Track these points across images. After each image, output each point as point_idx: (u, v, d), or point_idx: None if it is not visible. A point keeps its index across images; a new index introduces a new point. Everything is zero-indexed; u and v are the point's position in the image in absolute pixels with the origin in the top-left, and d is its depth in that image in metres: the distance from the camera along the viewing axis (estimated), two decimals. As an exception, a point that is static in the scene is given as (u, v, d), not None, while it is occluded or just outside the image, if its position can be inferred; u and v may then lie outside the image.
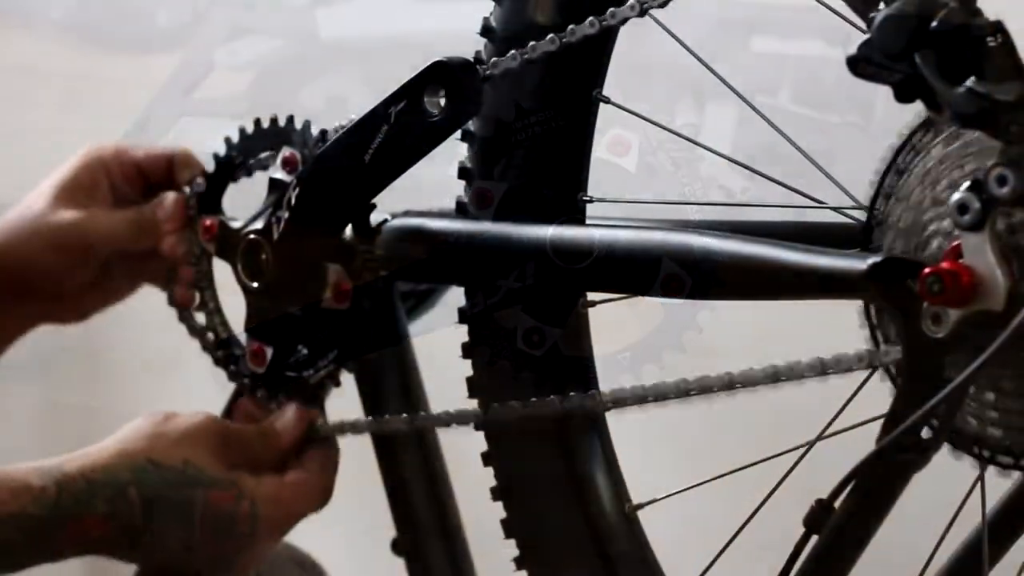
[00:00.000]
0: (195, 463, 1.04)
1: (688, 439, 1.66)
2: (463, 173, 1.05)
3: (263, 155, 1.16)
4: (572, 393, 1.00)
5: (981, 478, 0.90)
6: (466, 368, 1.07)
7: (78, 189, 1.20)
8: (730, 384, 0.92)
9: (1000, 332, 0.79)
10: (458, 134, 1.03)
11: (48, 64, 2.24)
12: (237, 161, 1.17)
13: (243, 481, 1.06)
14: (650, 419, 1.15)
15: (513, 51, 0.99)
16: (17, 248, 1.19)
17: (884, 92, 0.81)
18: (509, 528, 1.06)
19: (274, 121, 1.14)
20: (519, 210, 1.03)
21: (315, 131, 1.12)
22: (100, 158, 1.21)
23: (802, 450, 0.94)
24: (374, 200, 1.06)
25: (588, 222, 1.03)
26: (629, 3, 0.95)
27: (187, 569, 1.06)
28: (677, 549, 1.08)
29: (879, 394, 0.89)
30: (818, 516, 0.86)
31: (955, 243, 0.83)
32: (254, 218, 1.13)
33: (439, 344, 1.19)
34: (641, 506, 1.04)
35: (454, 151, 1.05)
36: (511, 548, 1.07)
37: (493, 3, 1.03)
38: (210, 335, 1.20)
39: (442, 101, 1.01)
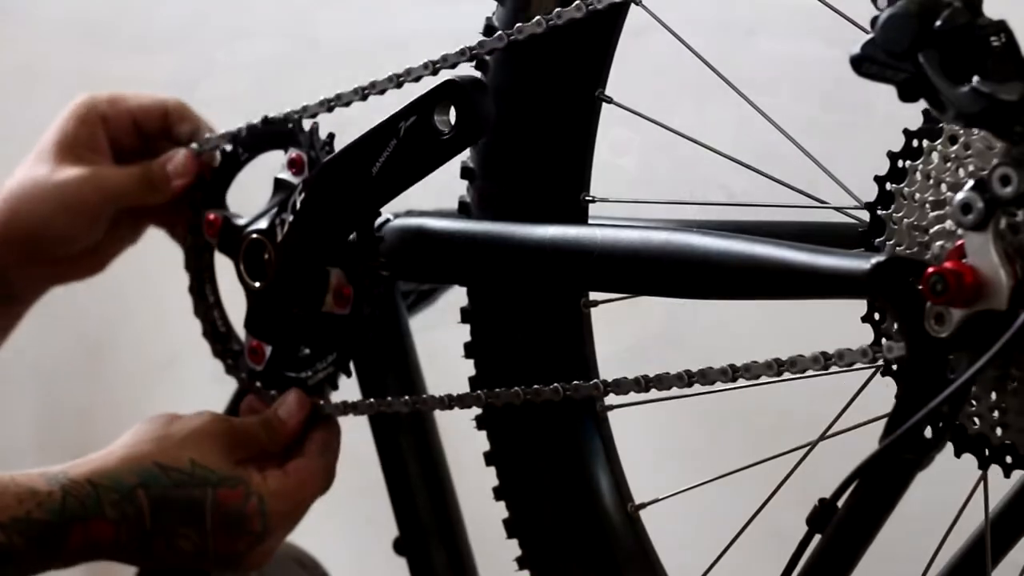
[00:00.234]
0: (202, 462, 1.04)
1: (691, 439, 1.66)
2: (465, 173, 1.05)
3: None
4: (575, 382, 1.00)
5: (984, 477, 0.90)
6: (468, 367, 1.07)
7: (78, 145, 1.18)
8: (732, 376, 0.92)
9: (1003, 332, 0.79)
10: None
11: (48, 62, 2.24)
12: (243, 158, 1.17)
13: (250, 477, 1.05)
14: (652, 419, 1.15)
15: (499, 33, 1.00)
16: (25, 212, 1.18)
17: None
18: (511, 528, 1.06)
19: (282, 121, 1.14)
20: (521, 210, 1.03)
21: (323, 134, 1.12)
22: (95, 109, 1.20)
23: (805, 450, 0.94)
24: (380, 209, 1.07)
25: (590, 222, 1.03)
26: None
27: (198, 570, 1.05)
28: (680, 549, 1.08)
29: (882, 394, 0.89)
30: (821, 515, 0.86)
31: (958, 243, 0.83)
32: (258, 217, 1.13)
33: (440, 343, 1.20)
34: (644, 506, 1.04)
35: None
36: (513, 548, 1.07)
37: (495, 3, 1.03)
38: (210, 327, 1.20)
39: (452, 119, 1.01)
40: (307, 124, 1.12)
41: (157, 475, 1.03)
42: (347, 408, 1.11)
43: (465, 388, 1.06)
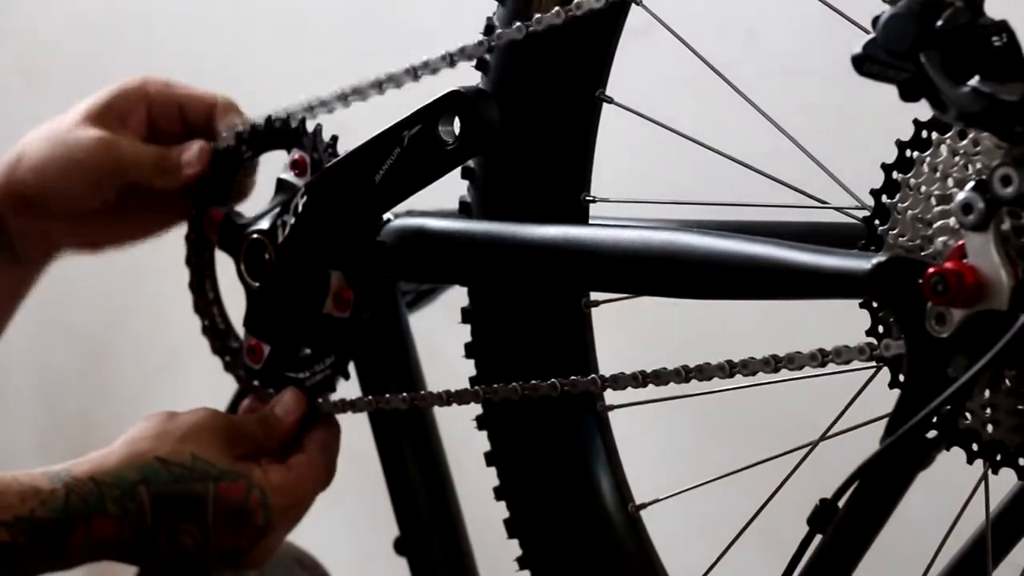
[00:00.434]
0: (203, 457, 1.04)
1: (692, 438, 1.66)
2: (466, 172, 1.05)
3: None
4: (572, 377, 1.00)
5: (985, 478, 0.90)
6: (469, 368, 1.07)
7: (109, 113, 1.18)
8: (729, 372, 0.92)
9: (1004, 332, 0.79)
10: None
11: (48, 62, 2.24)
12: (246, 156, 1.17)
13: (251, 472, 1.05)
14: (652, 418, 1.15)
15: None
16: (34, 162, 1.18)
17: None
18: (512, 528, 1.06)
19: (286, 121, 1.14)
20: (522, 210, 1.03)
21: (327, 136, 1.12)
22: (144, 88, 1.20)
23: (806, 449, 0.94)
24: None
25: (591, 222, 1.03)
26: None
27: (198, 569, 1.05)
28: (680, 548, 1.08)
29: (883, 394, 0.89)
30: (822, 515, 0.86)
31: (960, 242, 0.83)
32: (260, 216, 1.13)
33: (441, 343, 1.20)
34: (644, 506, 1.04)
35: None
36: (513, 548, 1.07)
37: (496, 3, 1.03)
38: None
39: (456, 130, 1.01)
40: (311, 126, 1.12)
41: (158, 470, 1.03)
42: (346, 405, 1.11)
43: (464, 384, 1.06)
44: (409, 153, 1.02)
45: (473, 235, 1.03)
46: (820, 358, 0.88)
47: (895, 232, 0.89)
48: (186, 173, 1.17)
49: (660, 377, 0.95)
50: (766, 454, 0.97)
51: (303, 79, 1.14)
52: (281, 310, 1.13)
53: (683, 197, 1.44)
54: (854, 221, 0.93)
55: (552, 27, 0.98)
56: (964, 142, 0.86)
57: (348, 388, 1.13)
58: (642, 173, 1.62)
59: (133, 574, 1.24)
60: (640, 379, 0.96)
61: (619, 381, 0.97)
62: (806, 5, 1.01)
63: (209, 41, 2.06)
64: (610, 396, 1.02)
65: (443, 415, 1.17)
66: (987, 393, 0.87)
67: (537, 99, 1.02)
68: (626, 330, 1.33)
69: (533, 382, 1.01)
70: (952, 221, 0.86)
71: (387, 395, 1.09)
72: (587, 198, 1.03)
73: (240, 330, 1.17)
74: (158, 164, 1.17)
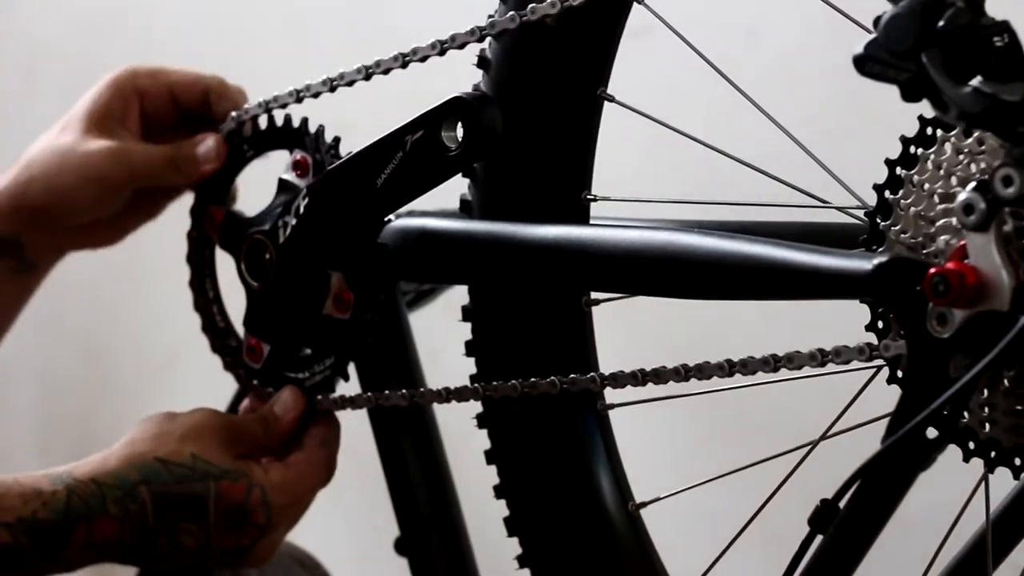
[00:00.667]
0: (203, 457, 1.04)
1: (692, 438, 1.66)
2: (467, 171, 1.05)
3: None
4: (572, 375, 1.00)
5: (985, 478, 0.90)
6: (469, 367, 1.07)
7: (109, 117, 1.17)
8: (729, 371, 0.92)
9: (1005, 333, 0.79)
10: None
11: (48, 61, 2.24)
12: (248, 155, 1.17)
13: (252, 470, 1.05)
14: (654, 418, 1.15)
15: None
16: (43, 181, 1.17)
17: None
18: (512, 526, 1.06)
19: (288, 121, 1.14)
20: (523, 209, 1.03)
21: (329, 137, 1.12)
22: (134, 81, 1.19)
23: (806, 449, 0.94)
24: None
25: (592, 222, 1.03)
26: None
27: (198, 569, 1.05)
28: (681, 548, 1.08)
29: (883, 394, 0.89)
30: (823, 516, 0.86)
31: (961, 243, 0.83)
32: (261, 216, 1.13)
33: (441, 342, 1.20)
34: (644, 504, 1.03)
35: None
36: (513, 547, 1.07)
37: (498, 2, 1.03)
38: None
39: (459, 135, 1.01)
40: (313, 126, 1.12)
41: (159, 470, 1.02)
42: (345, 402, 1.11)
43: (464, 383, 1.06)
44: (412, 158, 1.02)
45: (474, 235, 1.03)
46: (820, 358, 0.88)
47: (897, 229, 0.89)
48: (204, 169, 1.16)
49: (660, 376, 0.95)
50: (766, 453, 0.96)
51: (303, 79, 1.13)
52: (281, 310, 1.13)
53: (684, 197, 1.44)
54: (855, 221, 0.93)
55: (546, 17, 0.98)
56: (969, 140, 0.86)
57: (348, 386, 1.13)
58: (643, 173, 1.62)
59: (133, 575, 1.24)
60: (640, 377, 0.96)
61: (618, 379, 0.98)
62: (807, 5, 1.01)
63: (209, 41, 2.06)
64: (610, 395, 1.02)
65: (443, 415, 1.17)
66: (985, 392, 0.87)
67: (539, 97, 1.02)
68: (626, 329, 1.33)
69: (533, 380, 1.01)
70: (955, 220, 0.86)
71: (387, 391, 1.09)
72: (588, 197, 1.03)
73: (240, 329, 1.17)
74: (172, 163, 1.16)
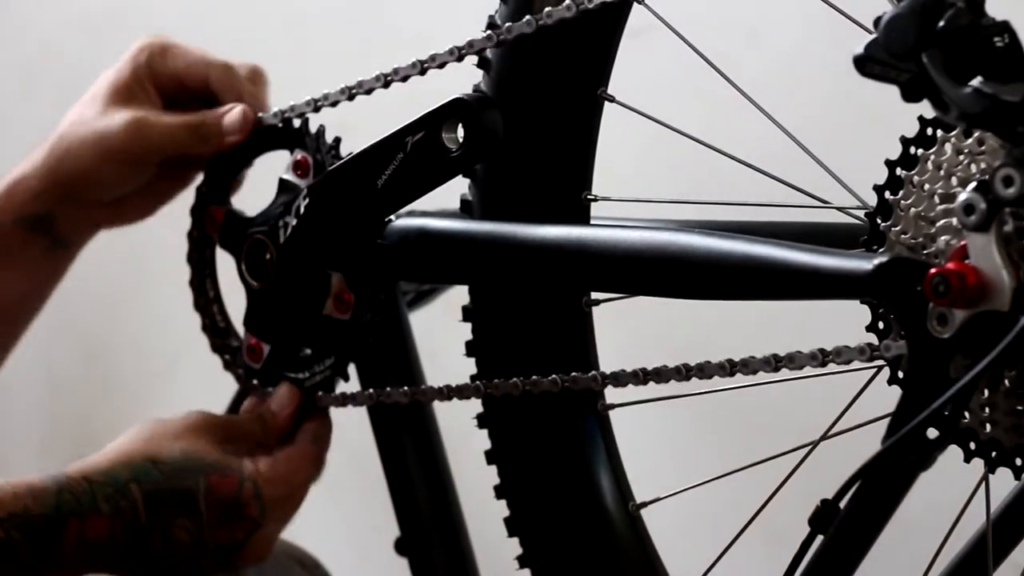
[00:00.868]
0: (193, 452, 1.04)
1: (693, 438, 1.66)
2: (468, 170, 1.05)
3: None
4: (573, 373, 1.00)
5: (986, 479, 0.90)
6: (469, 367, 1.07)
7: (128, 88, 1.17)
8: (730, 371, 0.92)
9: (1006, 333, 0.79)
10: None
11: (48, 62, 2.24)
12: (248, 154, 1.17)
13: (242, 464, 1.06)
14: (654, 418, 1.14)
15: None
16: (71, 157, 1.17)
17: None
18: (512, 527, 1.06)
19: (288, 121, 1.14)
20: (524, 208, 1.03)
21: (330, 137, 1.12)
22: (145, 55, 1.18)
23: (806, 449, 0.94)
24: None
25: (592, 222, 1.03)
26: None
27: (199, 566, 1.05)
28: (681, 548, 1.08)
29: (884, 394, 0.89)
30: (823, 516, 0.86)
31: (962, 243, 0.83)
32: (262, 216, 1.13)
33: (440, 341, 1.20)
34: (645, 504, 1.03)
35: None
36: (513, 546, 1.07)
37: (499, 1, 1.03)
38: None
39: (460, 137, 1.01)
40: (314, 126, 1.12)
41: (149, 469, 1.03)
42: (345, 399, 1.11)
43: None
44: (412, 159, 1.02)
45: (474, 236, 1.03)
46: (821, 358, 0.88)
47: (898, 229, 0.89)
48: (229, 140, 1.15)
49: (661, 375, 0.95)
50: (768, 454, 0.96)
51: (304, 79, 1.13)
52: (281, 310, 1.13)
53: (684, 197, 1.44)
54: (855, 221, 0.93)
55: (561, 21, 0.98)
56: (969, 141, 0.86)
57: (349, 386, 1.13)
58: (643, 173, 1.62)
59: None
60: (641, 377, 0.96)
61: (619, 379, 0.98)
62: (807, 5, 1.01)
63: (209, 41, 2.05)
64: (611, 395, 1.02)
65: (443, 416, 1.17)
66: (986, 392, 0.87)
67: (539, 97, 1.02)
68: (626, 328, 1.33)
69: (534, 378, 1.01)
70: (955, 220, 0.86)
71: (387, 388, 1.09)
72: (588, 197, 1.03)
73: (240, 329, 1.17)
74: (196, 131, 1.15)
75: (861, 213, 0.92)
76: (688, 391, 0.98)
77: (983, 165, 0.85)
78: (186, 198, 1.22)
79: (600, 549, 1.04)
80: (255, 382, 1.15)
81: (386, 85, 1.08)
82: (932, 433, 0.83)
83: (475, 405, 1.06)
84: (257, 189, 1.19)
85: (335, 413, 1.14)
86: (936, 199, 0.87)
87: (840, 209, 0.94)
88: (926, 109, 0.82)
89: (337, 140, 1.11)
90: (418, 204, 1.10)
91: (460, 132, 1.01)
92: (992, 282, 0.81)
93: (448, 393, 1.05)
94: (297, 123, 1.13)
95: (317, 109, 1.12)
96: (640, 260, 0.94)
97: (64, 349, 2.25)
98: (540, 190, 1.03)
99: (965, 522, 0.95)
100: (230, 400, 1.28)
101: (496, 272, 1.03)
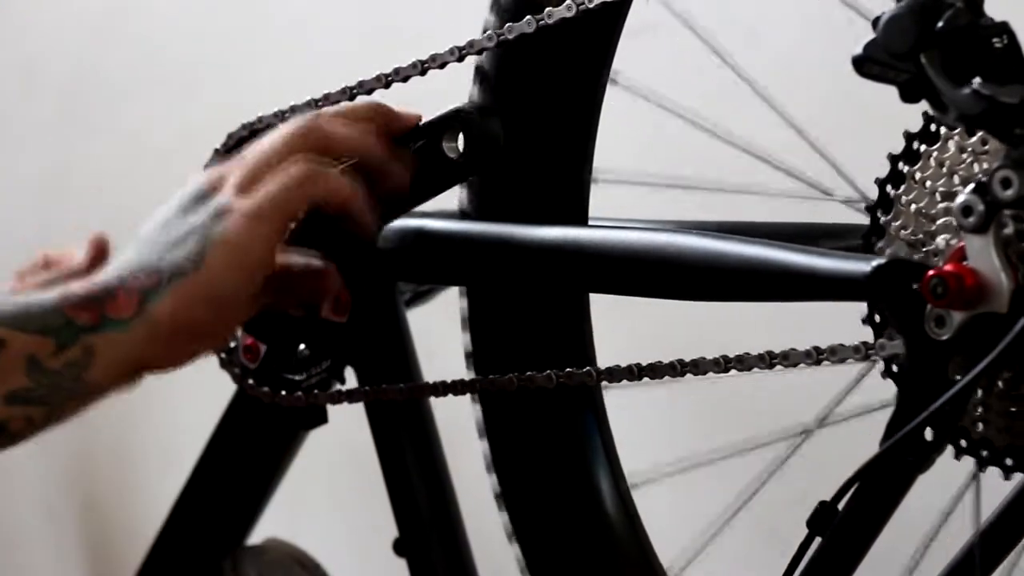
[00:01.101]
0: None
1: (693, 438, 1.66)
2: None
3: None
4: (568, 369, 0.99)
5: (976, 478, 0.91)
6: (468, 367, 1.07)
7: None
8: (724, 367, 0.92)
9: (1004, 335, 0.79)
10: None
11: (48, 62, 2.24)
12: None
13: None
14: (655, 418, 1.14)
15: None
16: None
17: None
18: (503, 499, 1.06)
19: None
20: (524, 194, 1.02)
21: None
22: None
23: (799, 439, 0.95)
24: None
25: (591, 223, 1.03)
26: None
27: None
28: (672, 533, 1.08)
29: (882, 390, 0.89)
30: (822, 518, 0.86)
31: (960, 244, 0.83)
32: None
33: (439, 341, 1.20)
34: (636, 486, 1.03)
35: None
36: (514, 547, 1.07)
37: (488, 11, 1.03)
38: None
39: (460, 146, 1.00)
40: None
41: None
42: (341, 396, 1.10)
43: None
44: (413, 167, 1.02)
45: (473, 237, 1.03)
46: (815, 355, 0.88)
47: (898, 224, 0.88)
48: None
49: (656, 371, 0.95)
50: (765, 451, 0.97)
51: (304, 80, 1.13)
52: (279, 311, 1.12)
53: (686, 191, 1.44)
54: (853, 222, 0.93)
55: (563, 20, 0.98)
56: (973, 140, 0.86)
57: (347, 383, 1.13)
58: (644, 166, 1.62)
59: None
60: (636, 372, 0.96)
61: (614, 374, 0.97)
62: (807, 4, 1.01)
63: (209, 41, 2.06)
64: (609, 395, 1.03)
65: (442, 417, 1.17)
66: (979, 392, 0.87)
67: (540, 83, 1.02)
68: (625, 325, 1.33)
69: (529, 373, 1.00)
70: (954, 220, 0.86)
71: (383, 386, 1.09)
72: (589, 179, 1.03)
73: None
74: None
75: (862, 207, 0.91)
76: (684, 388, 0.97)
77: (985, 165, 0.85)
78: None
79: (599, 549, 1.04)
80: (250, 382, 1.15)
81: (387, 85, 1.07)
82: (930, 435, 0.84)
83: (474, 411, 1.06)
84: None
85: (334, 414, 1.14)
86: (937, 196, 0.87)
87: (841, 201, 0.94)
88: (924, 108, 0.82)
89: None
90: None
91: (461, 142, 1.01)
92: (990, 284, 0.81)
93: (443, 389, 1.05)
94: None
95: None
96: (638, 262, 0.94)
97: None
98: (540, 176, 1.03)
99: (964, 522, 0.95)
100: (229, 400, 1.29)
101: (495, 274, 1.03)
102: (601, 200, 1.06)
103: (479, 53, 1.03)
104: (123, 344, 0.88)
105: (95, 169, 2.17)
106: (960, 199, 0.81)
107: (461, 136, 1.01)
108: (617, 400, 1.05)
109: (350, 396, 1.10)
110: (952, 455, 0.88)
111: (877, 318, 0.89)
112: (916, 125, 0.88)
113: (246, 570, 1.26)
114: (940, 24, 0.78)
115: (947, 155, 0.87)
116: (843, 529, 0.86)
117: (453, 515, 1.17)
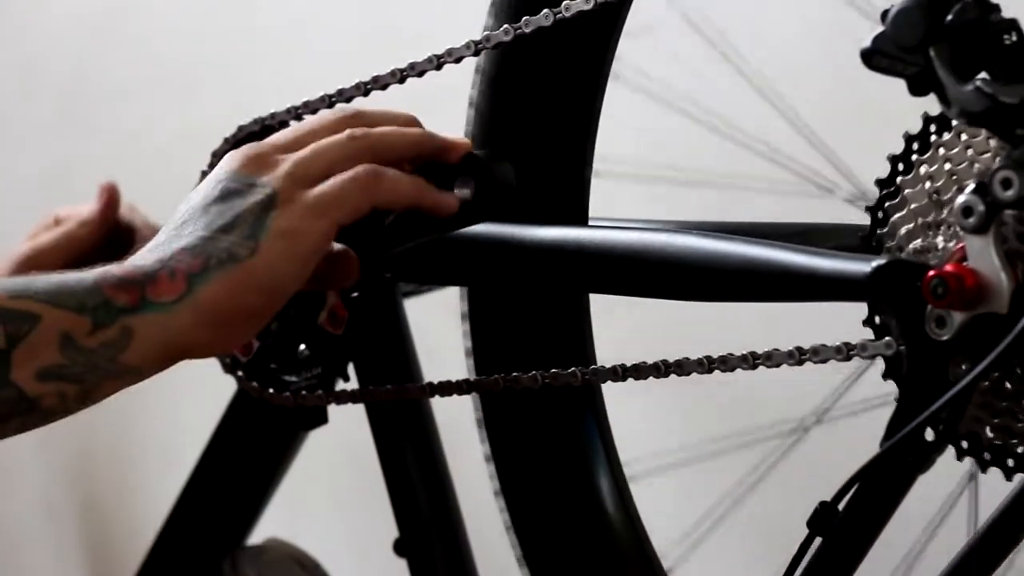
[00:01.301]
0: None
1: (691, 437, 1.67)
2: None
3: None
4: (554, 370, 0.98)
5: (974, 478, 0.91)
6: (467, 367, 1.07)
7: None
8: (708, 368, 0.91)
9: (1004, 335, 0.79)
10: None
11: (47, 62, 2.24)
12: None
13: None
14: (656, 418, 1.14)
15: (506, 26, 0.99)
16: None
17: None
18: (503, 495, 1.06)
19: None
20: (524, 187, 1.02)
21: None
22: None
23: (795, 436, 0.95)
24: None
25: (590, 223, 1.03)
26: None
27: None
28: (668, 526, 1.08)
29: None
30: (822, 518, 0.86)
31: (960, 245, 0.83)
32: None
33: (438, 340, 1.20)
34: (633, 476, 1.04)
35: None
36: (514, 546, 1.07)
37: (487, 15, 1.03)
38: None
39: (471, 190, 0.99)
40: None
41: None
42: (340, 396, 1.10)
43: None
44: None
45: (473, 237, 1.03)
46: (797, 356, 0.88)
47: (901, 215, 0.88)
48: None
49: (640, 371, 0.95)
50: (762, 450, 0.97)
51: (304, 80, 1.13)
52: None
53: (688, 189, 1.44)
54: (853, 222, 0.93)
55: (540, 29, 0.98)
56: (977, 139, 0.86)
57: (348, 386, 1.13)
58: (644, 162, 1.62)
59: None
60: (620, 372, 0.96)
61: (599, 374, 0.97)
62: (807, 4, 1.01)
63: (209, 41, 2.06)
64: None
65: (442, 417, 1.17)
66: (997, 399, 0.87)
67: (541, 75, 1.02)
68: (625, 324, 1.33)
69: (514, 374, 1.00)
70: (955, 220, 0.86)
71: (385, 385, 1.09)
72: (589, 174, 1.03)
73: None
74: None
75: (863, 206, 0.91)
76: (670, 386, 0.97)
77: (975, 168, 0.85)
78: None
79: (598, 548, 1.04)
80: (240, 374, 1.14)
81: (401, 80, 1.05)
82: (930, 435, 0.83)
83: (475, 409, 1.06)
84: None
85: (334, 414, 1.14)
86: (938, 196, 0.87)
87: (845, 200, 0.94)
88: (930, 105, 0.81)
89: None
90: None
91: (472, 187, 0.99)
92: (991, 284, 0.81)
93: (441, 389, 1.04)
94: None
95: (331, 105, 1.10)
96: (637, 262, 0.94)
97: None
98: (540, 169, 1.03)
99: (961, 523, 0.95)
100: (230, 400, 1.29)
101: (495, 275, 1.03)
102: (601, 200, 1.06)
103: (496, 48, 1.02)
104: (165, 327, 0.86)
105: (95, 169, 2.17)
106: (960, 200, 0.81)
107: (472, 182, 0.99)
108: (614, 397, 1.05)
109: (351, 396, 1.10)
110: (952, 455, 0.88)
111: (878, 319, 0.89)
112: (916, 125, 0.88)
113: (246, 570, 1.26)
114: (950, 17, 0.78)
115: (951, 153, 0.87)
116: (843, 529, 0.86)
117: (453, 515, 1.17)
